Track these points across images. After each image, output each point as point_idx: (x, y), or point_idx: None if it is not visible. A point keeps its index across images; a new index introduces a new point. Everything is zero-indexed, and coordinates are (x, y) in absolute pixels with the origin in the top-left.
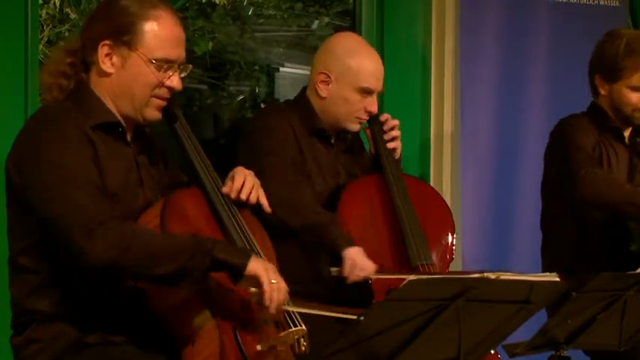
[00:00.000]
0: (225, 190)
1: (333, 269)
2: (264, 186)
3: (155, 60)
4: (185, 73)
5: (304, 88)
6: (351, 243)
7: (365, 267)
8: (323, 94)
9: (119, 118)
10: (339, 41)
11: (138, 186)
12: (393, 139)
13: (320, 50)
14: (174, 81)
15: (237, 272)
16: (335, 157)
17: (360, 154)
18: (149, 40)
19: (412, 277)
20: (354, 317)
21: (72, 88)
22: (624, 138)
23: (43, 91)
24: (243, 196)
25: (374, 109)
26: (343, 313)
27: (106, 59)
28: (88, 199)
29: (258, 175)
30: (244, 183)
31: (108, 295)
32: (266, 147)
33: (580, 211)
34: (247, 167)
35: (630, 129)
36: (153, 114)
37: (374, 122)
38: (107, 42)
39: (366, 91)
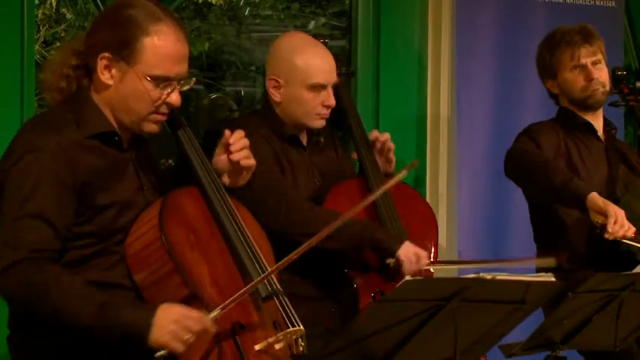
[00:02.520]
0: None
1: (390, 260)
2: (262, 202)
3: (153, 77)
4: (188, 87)
5: (268, 96)
6: (401, 239)
7: (421, 256)
8: (277, 99)
9: (115, 127)
10: (282, 43)
11: (138, 191)
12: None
13: (268, 55)
14: (173, 98)
15: (141, 336)
16: (309, 160)
17: (331, 152)
18: (147, 57)
19: (408, 277)
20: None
21: (73, 93)
22: (597, 133)
23: (43, 89)
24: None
25: (331, 102)
26: None
27: (105, 71)
28: (27, 232)
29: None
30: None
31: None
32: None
33: (562, 213)
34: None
35: (601, 120)
36: (151, 127)
37: (354, 124)
38: (106, 54)
39: (317, 87)
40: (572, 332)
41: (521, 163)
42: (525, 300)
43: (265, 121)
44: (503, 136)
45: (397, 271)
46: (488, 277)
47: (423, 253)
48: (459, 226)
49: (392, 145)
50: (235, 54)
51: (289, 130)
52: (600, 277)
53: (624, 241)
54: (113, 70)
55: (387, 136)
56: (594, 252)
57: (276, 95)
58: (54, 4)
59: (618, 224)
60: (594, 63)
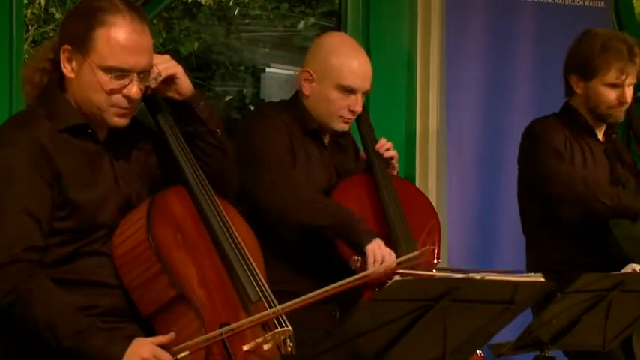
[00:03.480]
0: None
1: (357, 258)
2: (269, 199)
3: (106, 68)
4: (154, 84)
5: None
6: (374, 235)
7: (387, 258)
8: (307, 92)
9: (87, 119)
10: (325, 40)
11: (113, 184)
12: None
13: (309, 49)
14: (133, 90)
15: None
16: (328, 158)
17: (354, 156)
18: (100, 48)
19: (397, 277)
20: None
21: (44, 87)
22: (597, 135)
23: (23, 83)
24: None
25: (357, 108)
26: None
27: (67, 64)
28: (14, 228)
29: (260, 189)
30: None
31: (92, 296)
32: (265, 160)
33: (554, 211)
34: (245, 179)
35: (604, 127)
36: (114, 121)
37: (362, 122)
38: (67, 47)
39: (347, 90)
40: (560, 332)
41: (565, 190)
42: (514, 300)
43: (290, 110)
44: (493, 138)
45: (362, 270)
46: (478, 277)
47: (391, 256)
48: (449, 229)
49: (395, 154)
50: (224, 54)
51: (312, 124)
52: (589, 277)
53: None
54: (73, 63)
55: (389, 145)
56: (585, 255)
57: (306, 88)
58: (43, 4)
59: None
60: (630, 84)
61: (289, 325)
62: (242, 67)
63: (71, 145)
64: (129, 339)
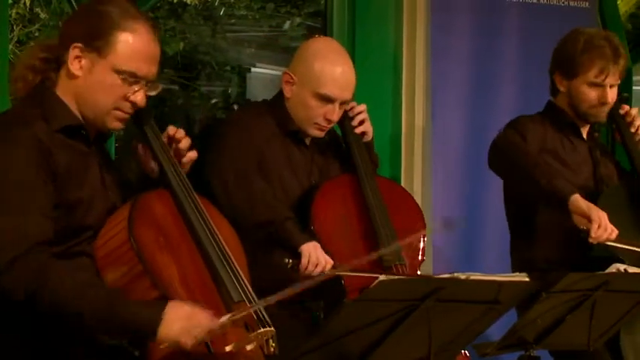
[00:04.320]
0: None
1: (289, 260)
2: (221, 183)
3: (122, 71)
4: (153, 92)
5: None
6: (308, 238)
7: (321, 261)
8: (287, 94)
9: (82, 121)
10: (311, 44)
11: (101, 188)
12: (361, 123)
13: (296, 52)
14: (139, 97)
15: (149, 337)
16: (310, 158)
17: (336, 155)
18: (120, 51)
19: (383, 277)
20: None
21: (34, 87)
22: (581, 134)
23: (11, 82)
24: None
25: (334, 117)
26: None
27: (75, 61)
28: (26, 224)
29: (215, 172)
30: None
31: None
32: (229, 143)
33: (529, 211)
34: (209, 160)
35: (588, 126)
36: (114, 124)
37: (344, 118)
38: (79, 44)
39: (325, 98)
40: (545, 332)
41: (506, 157)
42: (499, 300)
43: (272, 110)
44: (478, 138)
45: (295, 272)
46: (463, 277)
47: (325, 261)
48: (435, 229)
49: (366, 116)
50: (210, 54)
51: (293, 126)
52: (573, 277)
53: (608, 243)
54: (83, 61)
55: (362, 107)
56: (569, 251)
57: (287, 91)
58: (28, 4)
59: (602, 228)
60: (612, 85)
61: (272, 326)
62: (228, 67)
63: (66, 145)
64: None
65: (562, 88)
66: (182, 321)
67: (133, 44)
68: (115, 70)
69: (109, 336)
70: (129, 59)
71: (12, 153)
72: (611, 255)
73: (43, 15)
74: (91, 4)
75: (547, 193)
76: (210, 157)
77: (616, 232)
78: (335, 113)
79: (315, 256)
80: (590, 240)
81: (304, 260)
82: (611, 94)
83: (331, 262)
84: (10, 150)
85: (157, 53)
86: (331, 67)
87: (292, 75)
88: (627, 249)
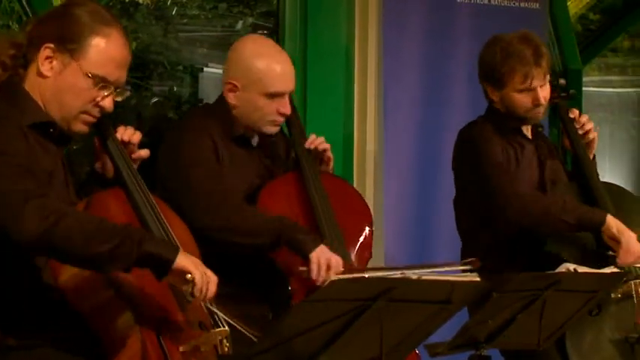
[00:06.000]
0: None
1: (303, 269)
2: (192, 199)
3: (93, 75)
4: (121, 98)
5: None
6: (318, 243)
7: (332, 264)
8: (232, 102)
9: (51, 118)
10: (242, 47)
11: (64, 188)
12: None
13: (227, 58)
14: (107, 102)
15: (164, 266)
16: (257, 160)
17: (285, 155)
18: (93, 55)
19: (334, 277)
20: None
21: (2, 82)
22: (526, 134)
23: None
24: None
25: (286, 110)
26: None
27: (46, 62)
28: (16, 179)
29: (184, 190)
30: None
31: (30, 297)
32: (187, 161)
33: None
34: (171, 183)
35: (530, 126)
36: (79, 127)
37: (292, 123)
38: (51, 45)
39: (274, 95)
40: (496, 331)
41: (528, 217)
42: (451, 300)
43: (216, 115)
44: (430, 137)
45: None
46: (414, 277)
47: (336, 261)
48: (386, 228)
49: (327, 146)
50: (163, 54)
51: (238, 130)
52: (524, 277)
53: (633, 266)
54: (54, 62)
55: (320, 140)
56: (519, 252)
57: (231, 98)
58: None
59: (629, 254)
60: (542, 85)
61: (226, 326)
62: (180, 67)
63: (39, 142)
64: None
65: (495, 98)
66: (193, 258)
67: (106, 49)
68: (87, 74)
69: (124, 263)
70: (101, 64)
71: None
72: (559, 252)
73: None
74: (66, 6)
75: (581, 228)
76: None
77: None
78: (286, 105)
79: (324, 261)
80: (617, 263)
81: (314, 267)
82: (543, 93)
83: (341, 262)
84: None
85: (128, 59)
86: (273, 65)
87: (235, 82)
88: None
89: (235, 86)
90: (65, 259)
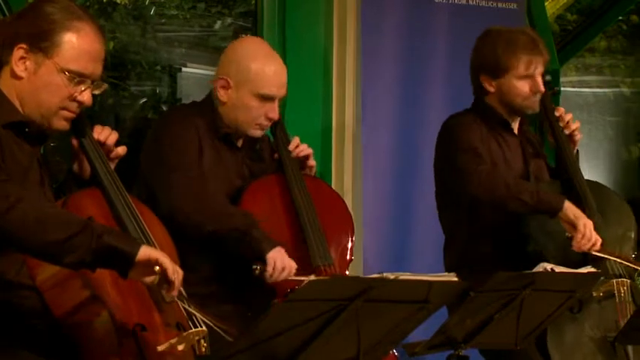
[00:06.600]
0: None
1: (257, 267)
2: (173, 200)
3: (68, 71)
4: (98, 91)
5: (211, 92)
6: (275, 244)
7: (287, 267)
8: (223, 99)
9: (27, 118)
10: (241, 46)
11: (39, 186)
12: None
13: (223, 54)
14: (85, 96)
15: (127, 259)
16: (241, 161)
17: (269, 158)
18: (66, 51)
19: (313, 277)
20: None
21: None
22: (512, 129)
23: None
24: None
25: (274, 115)
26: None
27: (20, 62)
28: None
29: (165, 189)
30: None
31: (4, 299)
32: (172, 161)
33: (473, 212)
34: (153, 180)
35: (518, 120)
36: (60, 124)
37: (276, 126)
38: (24, 45)
39: (265, 98)
40: (474, 331)
41: (485, 192)
42: (428, 299)
43: (202, 113)
44: (408, 135)
45: (262, 278)
46: (392, 277)
47: (291, 265)
48: (365, 227)
49: (309, 151)
50: (140, 53)
51: (224, 129)
52: (501, 277)
53: (591, 252)
54: (28, 62)
55: (303, 146)
56: (502, 252)
57: (223, 95)
58: None
59: (585, 238)
60: (540, 74)
61: (204, 326)
62: (158, 67)
63: (14, 141)
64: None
65: (491, 89)
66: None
67: (78, 44)
68: (61, 70)
69: (81, 255)
70: (75, 59)
71: None
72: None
73: None
74: (36, 4)
75: (538, 208)
76: (153, 164)
77: (600, 241)
78: (275, 111)
79: (280, 263)
80: (573, 249)
81: (269, 268)
82: (541, 82)
83: (295, 266)
84: None
85: (102, 52)
86: (268, 67)
87: (228, 79)
88: (609, 259)
89: (228, 83)
90: (20, 246)
